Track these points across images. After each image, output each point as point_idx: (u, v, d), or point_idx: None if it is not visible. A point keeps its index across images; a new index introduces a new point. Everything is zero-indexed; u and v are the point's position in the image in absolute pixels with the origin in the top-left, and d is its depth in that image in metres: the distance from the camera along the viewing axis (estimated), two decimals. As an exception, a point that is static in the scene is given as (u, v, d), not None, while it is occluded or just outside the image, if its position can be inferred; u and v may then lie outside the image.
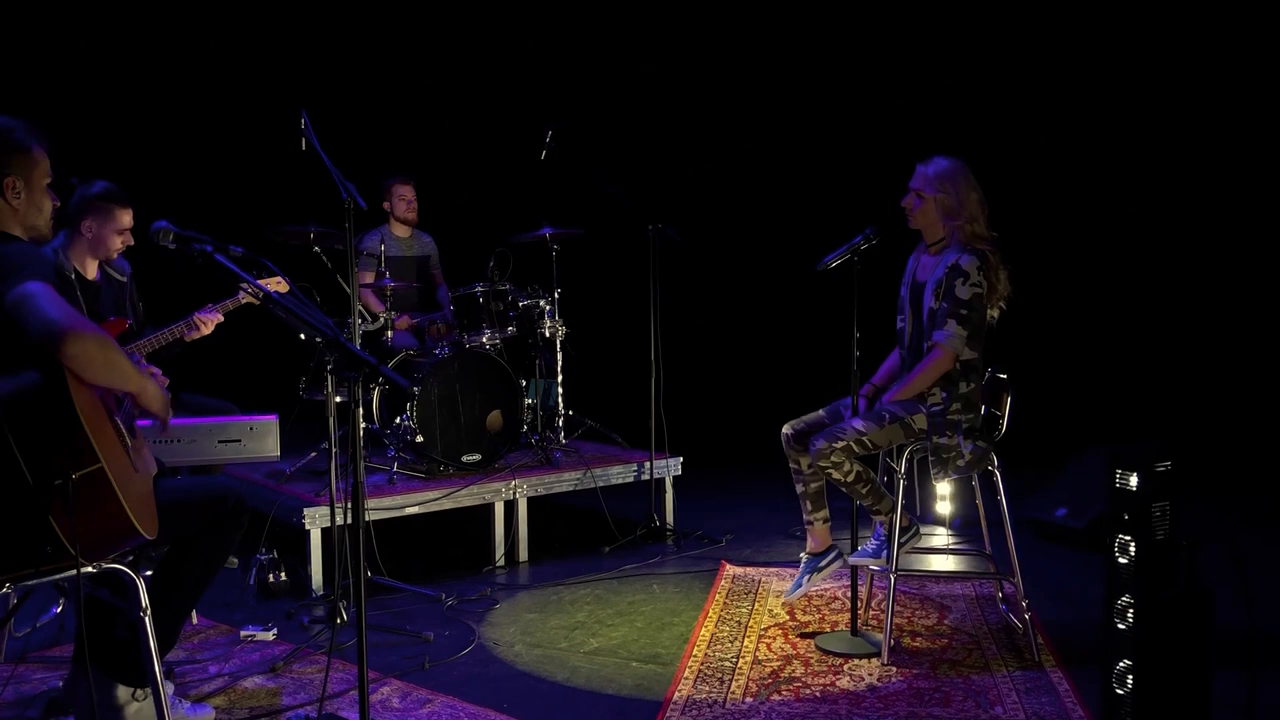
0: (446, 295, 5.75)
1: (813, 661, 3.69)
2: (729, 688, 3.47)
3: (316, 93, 5.60)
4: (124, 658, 2.66)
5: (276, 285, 4.50)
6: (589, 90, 7.41)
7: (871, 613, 4.12)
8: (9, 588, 2.27)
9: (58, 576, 2.30)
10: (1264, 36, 6.35)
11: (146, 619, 2.33)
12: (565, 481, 5.18)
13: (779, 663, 3.68)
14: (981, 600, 4.32)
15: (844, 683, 3.50)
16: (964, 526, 5.45)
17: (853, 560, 3.82)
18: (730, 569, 4.82)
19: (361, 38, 7.33)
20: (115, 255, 4.07)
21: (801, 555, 4.02)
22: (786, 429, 3.87)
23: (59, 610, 4.03)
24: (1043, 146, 6.94)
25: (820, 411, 3.88)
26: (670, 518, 5.49)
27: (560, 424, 5.62)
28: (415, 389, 3.59)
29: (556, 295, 5.54)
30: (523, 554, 5.05)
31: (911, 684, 3.47)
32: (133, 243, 4.06)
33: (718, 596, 4.44)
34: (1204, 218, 6.71)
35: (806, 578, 3.96)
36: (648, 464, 5.36)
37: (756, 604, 4.33)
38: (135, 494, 2.30)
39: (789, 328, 7.60)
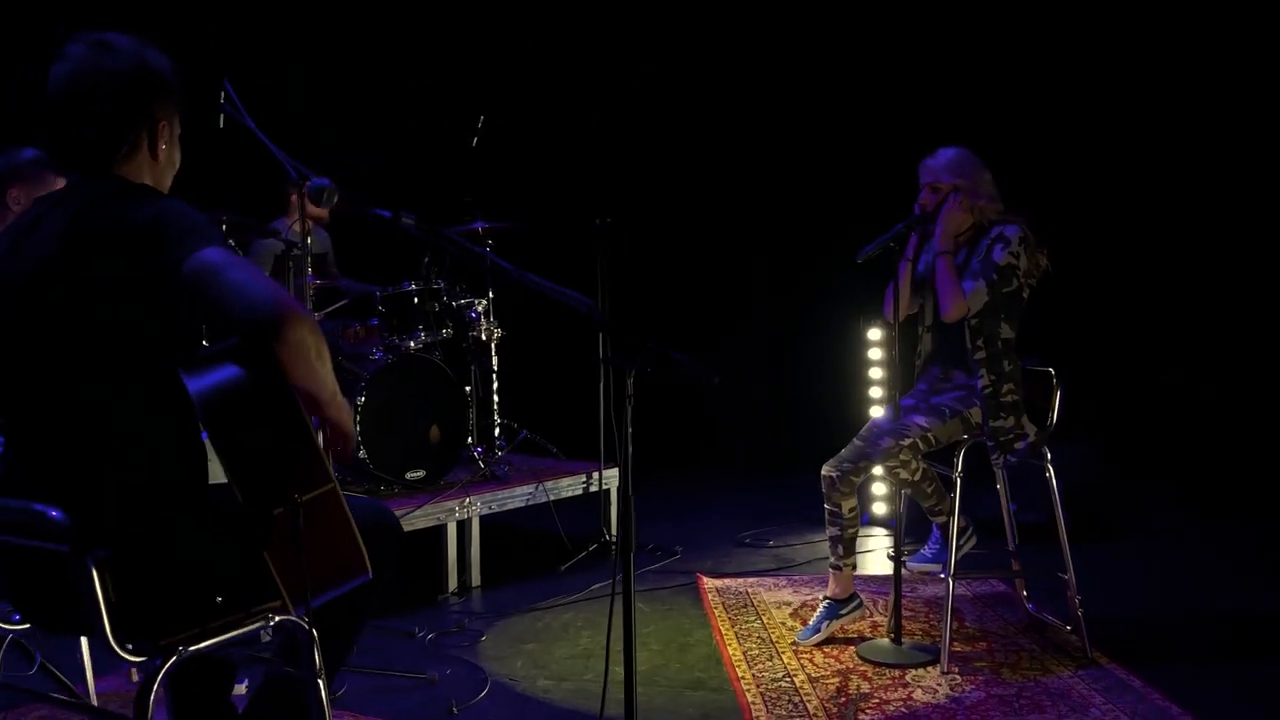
0: (351, 285, 5.20)
1: (870, 675, 3.46)
2: (808, 711, 3.20)
3: (228, 64, 4.93)
4: None
5: None
6: (531, 77, 6.87)
7: (884, 617, 3.94)
8: (185, 650, 1.71)
9: (242, 631, 1.75)
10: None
11: (322, 684, 1.82)
12: (518, 497, 4.75)
13: (837, 679, 3.44)
14: (987, 600, 4.21)
15: (921, 695, 3.29)
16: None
17: (914, 565, 3.63)
18: (710, 582, 4.54)
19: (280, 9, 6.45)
20: None
21: (822, 599, 3.81)
22: (830, 471, 3.62)
23: None
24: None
25: (856, 441, 3.65)
26: (615, 530, 5.15)
27: (499, 434, 5.17)
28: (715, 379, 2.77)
29: (491, 295, 5.10)
30: (475, 578, 4.59)
31: (989, 691, 3.30)
32: None
33: (717, 612, 4.15)
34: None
35: (826, 623, 3.74)
36: (596, 475, 5.01)
37: (763, 617, 4.07)
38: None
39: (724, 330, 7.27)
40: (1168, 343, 6.49)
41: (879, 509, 5.53)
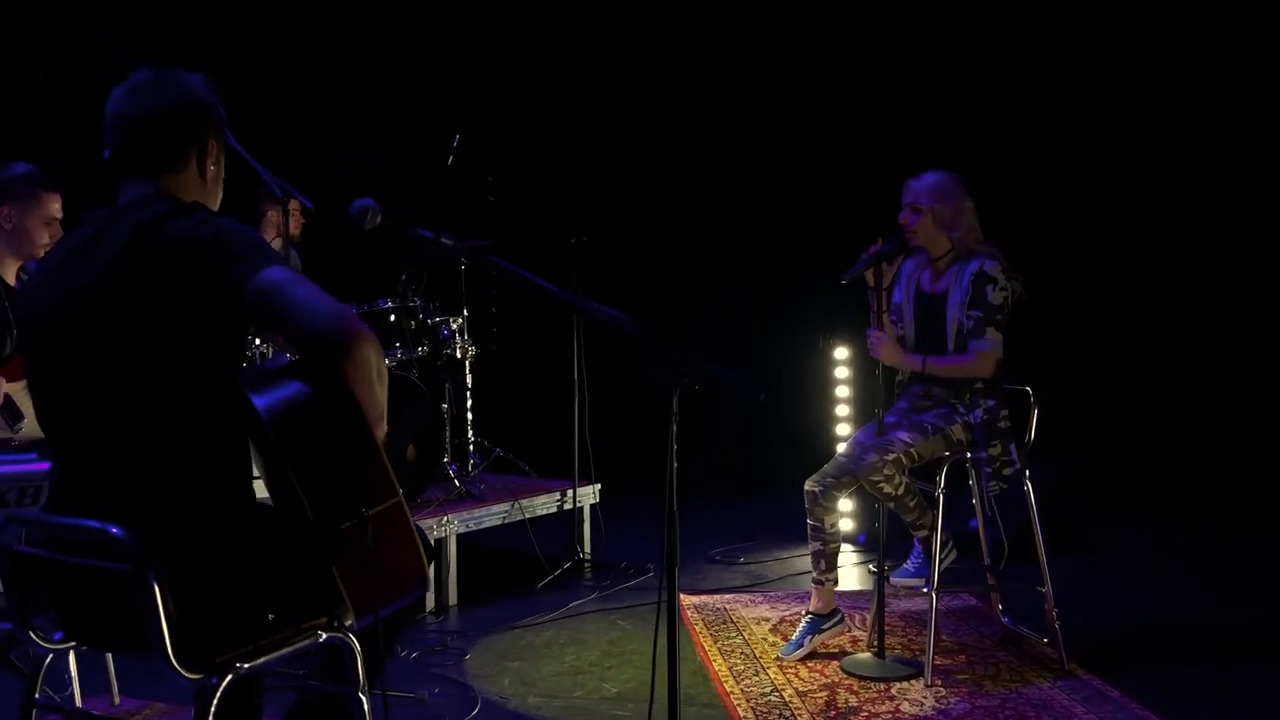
0: None
1: (857, 689, 3.52)
2: (800, 724, 3.25)
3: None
4: None
5: None
6: (507, 92, 6.87)
7: (863, 631, 4.01)
8: (241, 666, 1.70)
9: (290, 649, 1.75)
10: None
11: (365, 699, 1.82)
12: (494, 515, 4.76)
13: (824, 693, 3.49)
14: (960, 614, 4.30)
15: (908, 709, 3.35)
16: (869, 542, 5.46)
17: (897, 580, 3.70)
18: (687, 599, 4.57)
19: (246, 20, 6.36)
20: (40, 252, 3.34)
21: (804, 614, 3.86)
22: (813, 486, 3.67)
23: None
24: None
25: (838, 457, 3.72)
26: (588, 548, 5.17)
27: (472, 452, 5.17)
28: (763, 395, 2.71)
29: (465, 313, 5.10)
30: (452, 597, 4.58)
31: (973, 703, 3.37)
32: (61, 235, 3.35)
33: (698, 628, 4.18)
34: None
35: (809, 638, 3.79)
36: (570, 493, 5.03)
37: (744, 633, 4.12)
38: None
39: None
40: (1131, 358, 6.68)
41: (845, 525, 5.60)
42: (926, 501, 3.68)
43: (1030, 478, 3.68)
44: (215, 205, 2.06)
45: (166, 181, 1.97)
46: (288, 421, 1.68)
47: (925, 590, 3.59)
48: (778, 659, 3.80)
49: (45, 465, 2.63)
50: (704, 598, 4.60)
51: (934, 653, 3.62)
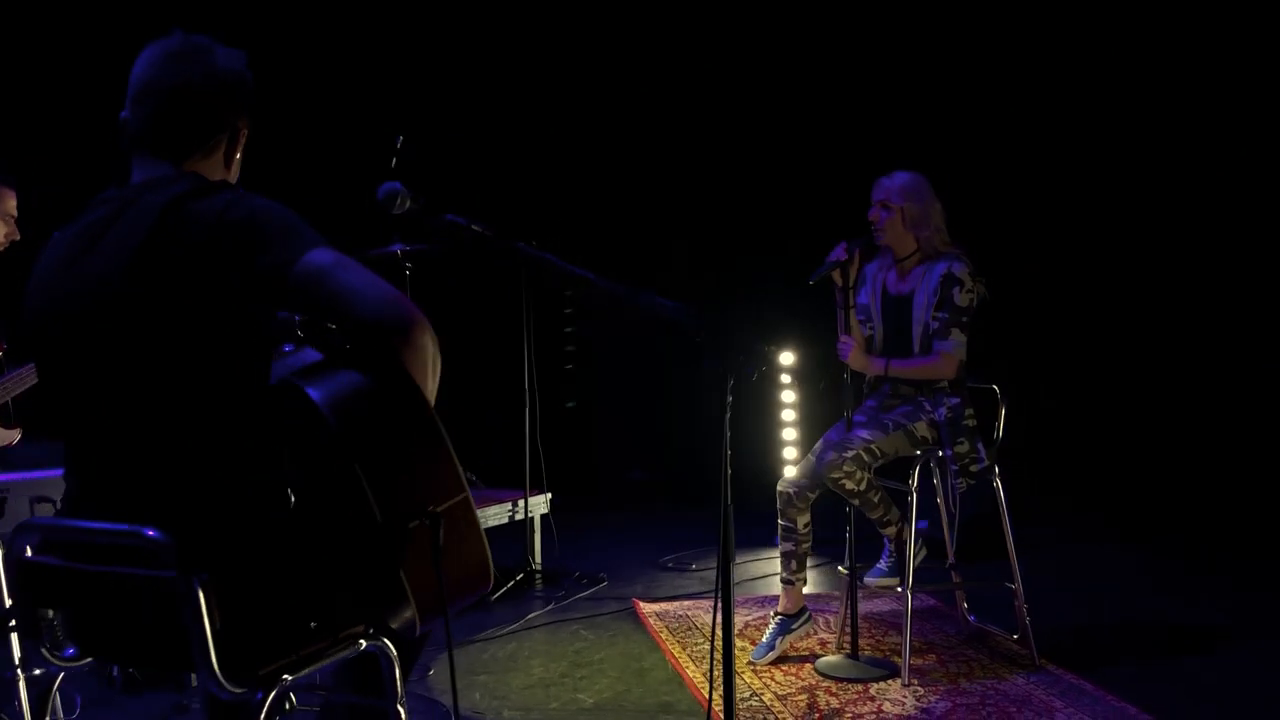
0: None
1: (835, 690, 3.49)
2: (786, 728, 3.21)
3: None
4: None
5: None
6: (452, 91, 6.71)
7: (830, 633, 4.00)
8: (286, 679, 1.57)
9: (329, 660, 1.63)
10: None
11: (403, 710, 1.71)
12: (446, 526, 4.62)
13: (804, 695, 3.45)
14: (922, 614, 4.30)
15: (890, 708, 3.33)
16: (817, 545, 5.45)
17: (870, 580, 3.68)
18: (648, 607, 4.51)
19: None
20: None
21: (772, 615, 3.83)
22: (786, 488, 3.66)
23: None
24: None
25: (809, 457, 3.70)
26: (539, 558, 5.07)
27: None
28: (823, 383, 2.52)
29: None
30: (405, 611, 4.43)
31: (955, 702, 3.36)
32: (19, 237, 3.15)
33: (664, 636, 4.12)
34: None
35: (780, 639, 3.77)
36: (521, 503, 4.93)
37: (710, 639, 4.07)
38: None
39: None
40: (1050, 358, 6.83)
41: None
42: (894, 500, 3.68)
43: (999, 475, 3.71)
44: None
45: (189, 166, 1.84)
46: (350, 413, 1.56)
47: (900, 590, 3.58)
48: (750, 663, 3.76)
49: (9, 476, 2.46)
50: (664, 605, 4.54)
51: (875, 651, 3.63)
